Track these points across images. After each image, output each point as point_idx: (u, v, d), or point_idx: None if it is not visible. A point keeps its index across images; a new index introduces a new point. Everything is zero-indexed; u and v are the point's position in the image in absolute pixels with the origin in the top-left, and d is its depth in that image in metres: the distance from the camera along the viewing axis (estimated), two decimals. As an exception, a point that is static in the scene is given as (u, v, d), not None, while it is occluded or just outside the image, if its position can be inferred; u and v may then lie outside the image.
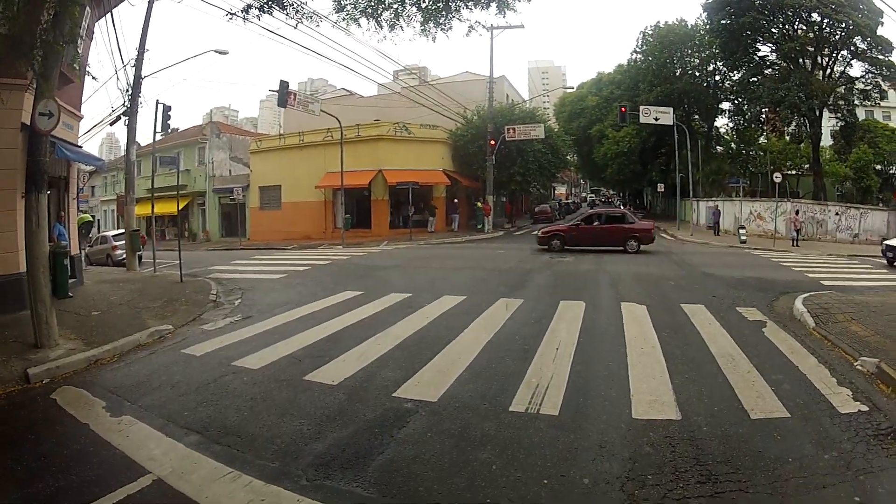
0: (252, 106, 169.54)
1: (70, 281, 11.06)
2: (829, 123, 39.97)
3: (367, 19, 8.63)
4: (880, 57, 31.21)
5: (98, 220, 41.03)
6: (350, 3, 8.43)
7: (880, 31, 30.21)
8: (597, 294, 9.64)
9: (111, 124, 17.41)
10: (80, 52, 11.60)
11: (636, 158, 36.85)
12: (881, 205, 33.04)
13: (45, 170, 6.89)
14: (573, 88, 45.80)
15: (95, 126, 17.91)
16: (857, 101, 34.96)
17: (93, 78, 12.66)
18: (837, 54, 32.66)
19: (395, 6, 8.53)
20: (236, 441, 3.99)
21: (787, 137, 39.78)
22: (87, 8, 11.87)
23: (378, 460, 3.61)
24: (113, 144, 78.22)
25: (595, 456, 3.60)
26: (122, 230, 18.90)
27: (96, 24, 13.47)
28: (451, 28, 8.77)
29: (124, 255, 17.12)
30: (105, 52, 21.32)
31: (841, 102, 33.73)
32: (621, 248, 17.56)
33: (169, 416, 4.56)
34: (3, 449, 4.09)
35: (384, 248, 21.11)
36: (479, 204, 27.80)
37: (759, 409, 4.34)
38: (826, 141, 41.46)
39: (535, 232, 28.84)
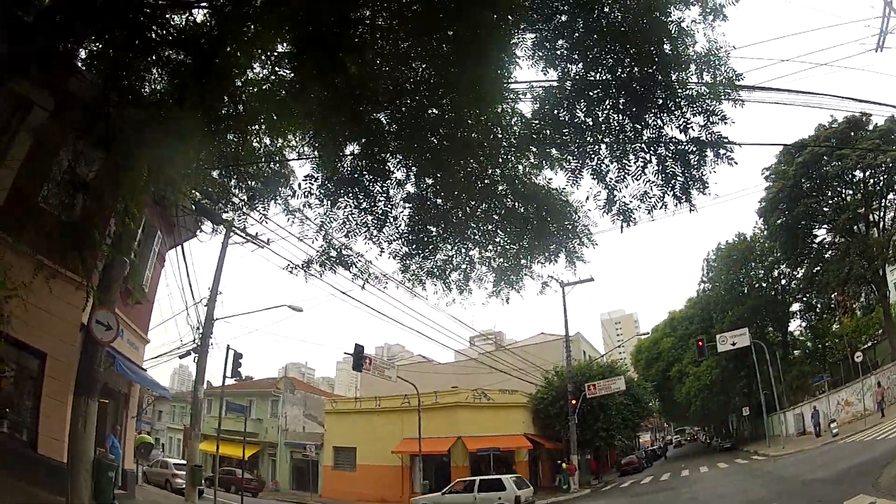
0: (329, 366, 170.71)
1: (119, 492, 10.95)
2: (892, 277, 39.11)
3: (434, 281, 8.19)
4: (924, 179, 30.55)
5: (163, 445, 41.05)
6: (416, 264, 8.00)
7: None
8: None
9: (181, 357, 17.50)
10: (148, 275, 12.03)
11: (718, 389, 35.87)
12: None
13: (97, 378, 7.02)
14: (647, 334, 45.75)
15: (165, 354, 17.71)
16: (913, 239, 34.26)
17: (152, 304, 13.02)
18: (885, 200, 32.76)
19: (465, 267, 8.13)
20: None
21: (859, 312, 38.70)
22: (159, 233, 12.30)
23: None
24: (184, 376, 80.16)
25: None
26: (185, 461, 19.08)
27: (167, 253, 13.80)
28: (522, 287, 8.29)
29: (183, 484, 17.24)
30: (175, 283, 22.29)
31: (900, 249, 33.16)
32: None
33: None
34: None
35: (465, 515, 19.99)
36: (564, 465, 26.67)
37: None
38: (893, 296, 40.30)
39: (624, 485, 27.67)
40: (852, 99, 20.22)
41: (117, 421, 12.39)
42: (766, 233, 33.86)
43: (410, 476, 27.92)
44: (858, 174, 32.62)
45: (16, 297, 6.14)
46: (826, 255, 34.93)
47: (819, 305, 35.25)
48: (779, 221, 33.05)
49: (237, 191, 8.17)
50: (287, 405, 32.57)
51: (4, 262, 6.11)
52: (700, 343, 28.47)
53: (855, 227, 33.72)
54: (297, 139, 6.91)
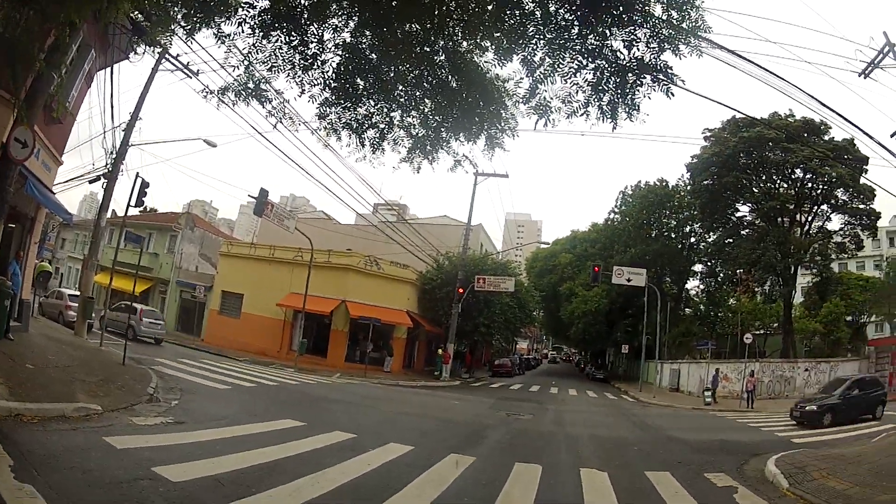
0: (232, 209, 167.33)
1: (14, 324, 10.63)
2: (802, 280, 40.83)
3: (350, 134, 8.11)
4: (861, 206, 31.77)
5: (62, 274, 40.10)
6: (335, 114, 7.90)
7: (863, 179, 29.96)
8: (555, 457, 9.18)
9: (90, 182, 17.29)
10: (74, 93, 11.62)
11: (602, 318, 37.06)
12: (849, 355, 32.53)
13: (6, 199, 6.66)
14: (548, 244, 46.63)
15: (76, 178, 17.50)
16: (832, 255, 35.26)
17: (71, 125, 12.46)
18: (817, 209, 33.66)
19: (382, 127, 8.07)
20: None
21: (760, 297, 40.44)
22: (93, 51, 11.87)
23: None
24: (94, 204, 77.55)
25: None
26: (79, 293, 18.28)
27: (97, 73, 13.29)
28: (437, 160, 8.31)
29: (76, 318, 16.80)
30: (98, 107, 21.74)
31: (818, 258, 34.26)
32: None
33: (72, 504, 4.18)
34: None
35: (336, 381, 20.35)
36: (441, 351, 27.45)
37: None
38: (797, 297, 42.27)
39: (493, 385, 28.74)
40: (817, 100, 20.15)
41: (21, 247, 11.79)
42: (689, 188, 34.58)
43: (291, 332, 28.22)
44: (799, 173, 33.25)
45: None
46: (742, 232, 36.10)
47: (722, 275, 36.56)
48: (705, 182, 33.66)
49: (175, 9, 7.51)
50: (185, 242, 32.09)
51: None
52: (596, 269, 29.31)
53: (779, 218, 34.63)
54: None
